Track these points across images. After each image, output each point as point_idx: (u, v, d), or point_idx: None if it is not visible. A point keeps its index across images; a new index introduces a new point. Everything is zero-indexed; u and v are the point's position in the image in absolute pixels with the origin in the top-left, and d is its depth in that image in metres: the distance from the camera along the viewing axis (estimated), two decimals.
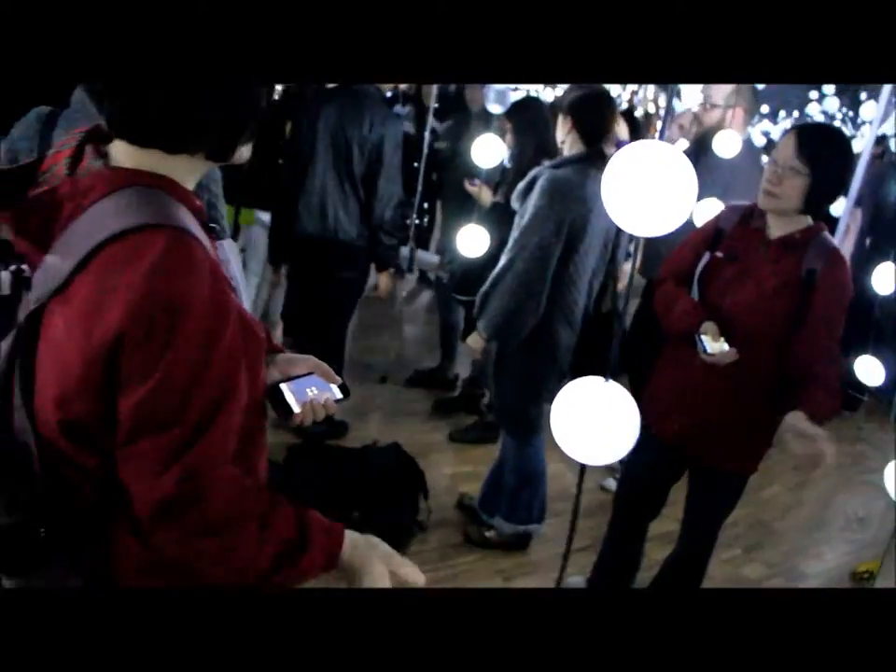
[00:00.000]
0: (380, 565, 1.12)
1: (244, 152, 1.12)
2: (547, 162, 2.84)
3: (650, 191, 1.07)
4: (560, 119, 2.82)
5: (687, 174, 1.07)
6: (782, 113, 12.64)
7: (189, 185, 1.09)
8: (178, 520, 0.99)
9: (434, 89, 4.72)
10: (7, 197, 1.03)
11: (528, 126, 3.36)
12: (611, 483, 3.66)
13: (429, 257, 4.18)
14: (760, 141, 9.26)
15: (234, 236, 3.51)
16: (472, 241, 3.03)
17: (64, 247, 0.99)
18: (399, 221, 3.57)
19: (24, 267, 1.05)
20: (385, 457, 3.41)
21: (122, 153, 1.04)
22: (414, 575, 1.15)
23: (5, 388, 1.03)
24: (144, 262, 0.94)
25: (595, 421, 1.24)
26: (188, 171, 1.08)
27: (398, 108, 5.45)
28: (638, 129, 5.46)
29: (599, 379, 1.26)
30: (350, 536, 1.13)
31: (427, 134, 4.37)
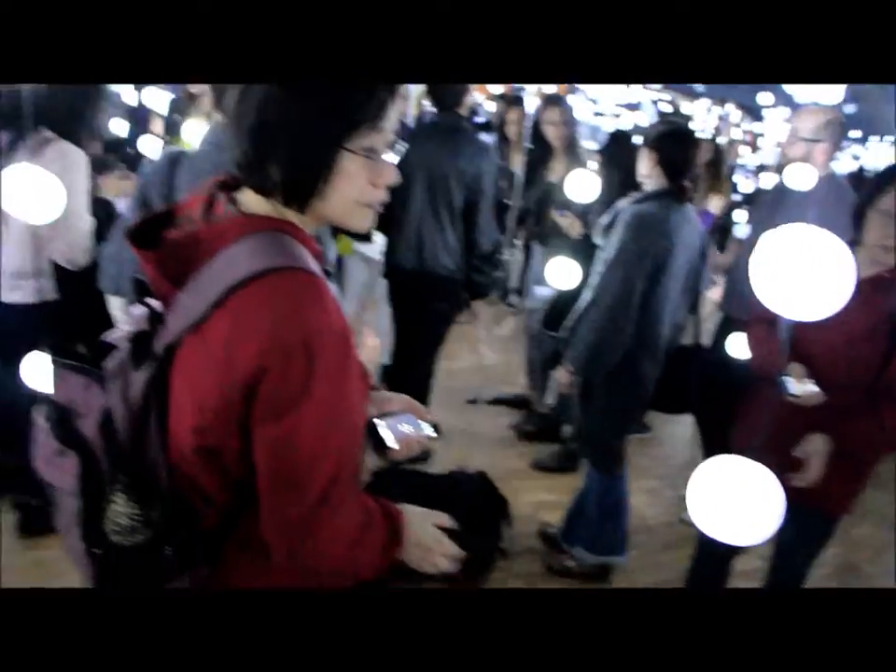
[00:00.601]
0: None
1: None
2: (629, 197, 2.89)
3: (804, 278, 1.08)
4: (644, 153, 2.86)
5: (843, 259, 1.07)
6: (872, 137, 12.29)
7: (310, 229, 1.17)
8: (313, 538, 1.09)
9: (522, 122, 4.78)
10: (150, 240, 1.13)
11: (617, 160, 3.40)
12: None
13: (541, 290, 4.23)
14: (849, 166, 9.03)
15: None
16: (562, 273, 3.09)
17: (200, 287, 1.07)
18: (496, 252, 3.63)
19: (159, 304, 1.16)
20: (469, 484, 3.46)
21: (251, 200, 1.14)
22: (445, 563, 1.26)
23: (141, 415, 1.12)
24: (279, 301, 1.02)
25: (735, 501, 1.23)
26: (305, 222, 1.16)
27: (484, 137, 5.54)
28: (722, 156, 5.44)
29: (738, 458, 1.26)
30: (409, 511, 1.25)
31: (517, 170, 4.43)
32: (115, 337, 1.21)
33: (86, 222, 2.58)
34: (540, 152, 4.47)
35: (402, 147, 1.16)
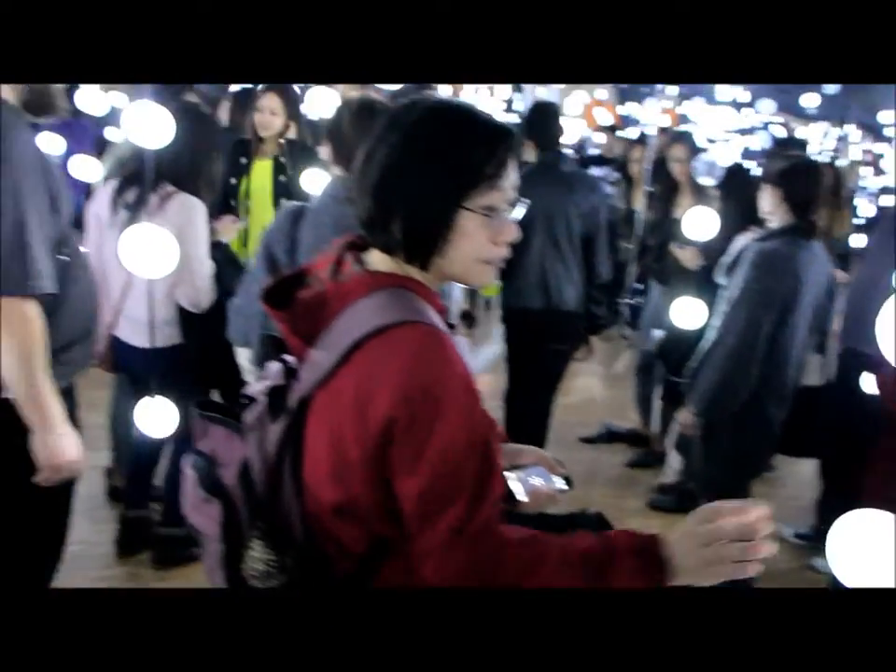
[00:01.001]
0: (716, 551, 1.06)
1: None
2: (753, 235, 2.83)
3: None
4: (767, 190, 2.80)
5: None
6: None
7: (435, 287, 1.20)
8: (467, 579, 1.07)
9: (645, 160, 4.76)
10: (283, 299, 1.19)
11: (735, 195, 3.35)
12: (823, 564, 3.47)
13: (657, 332, 4.19)
14: None
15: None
16: (686, 313, 3.06)
17: (329, 343, 1.12)
18: (613, 283, 3.64)
19: (293, 360, 1.22)
20: (588, 524, 3.43)
21: (376, 259, 1.18)
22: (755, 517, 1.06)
23: (276, 466, 1.16)
24: (404, 354, 1.06)
25: (881, 556, 1.19)
26: (429, 279, 1.19)
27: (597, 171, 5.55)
28: (841, 180, 5.24)
29: (886, 514, 1.20)
30: (670, 545, 1.08)
31: (639, 208, 4.40)
32: (253, 391, 1.27)
33: (207, 267, 2.74)
34: (664, 189, 4.44)
35: (524, 203, 1.18)
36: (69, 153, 3.89)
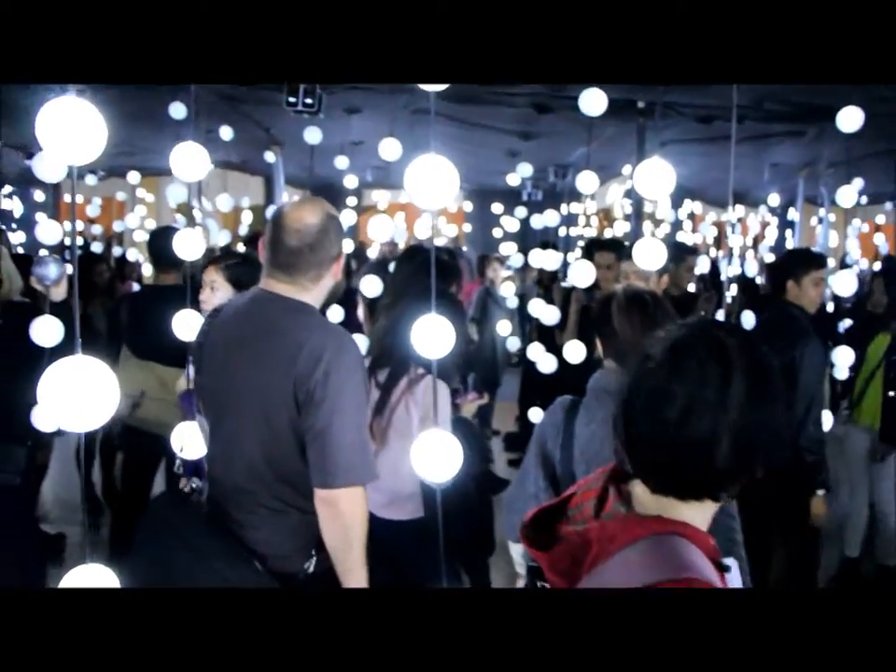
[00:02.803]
0: None
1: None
2: None
3: None
4: None
5: None
6: None
7: (703, 525, 1.12)
8: None
9: None
10: (545, 531, 1.16)
11: None
12: None
13: None
14: None
15: None
16: None
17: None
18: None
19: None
20: None
21: (642, 495, 1.11)
22: None
23: None
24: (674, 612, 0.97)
25: None
26: (700, 511, 1.11)
27: None
28: None
29: None
30: None
31: None
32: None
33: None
34: None
35: None
36: None
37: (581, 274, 3.28)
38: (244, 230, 8.38)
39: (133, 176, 8.60)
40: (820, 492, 3.32)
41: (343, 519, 1.92)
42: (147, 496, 3.60)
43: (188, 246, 2.17)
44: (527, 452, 2.20)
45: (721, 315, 3.12)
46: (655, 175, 2.14)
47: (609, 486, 1.14)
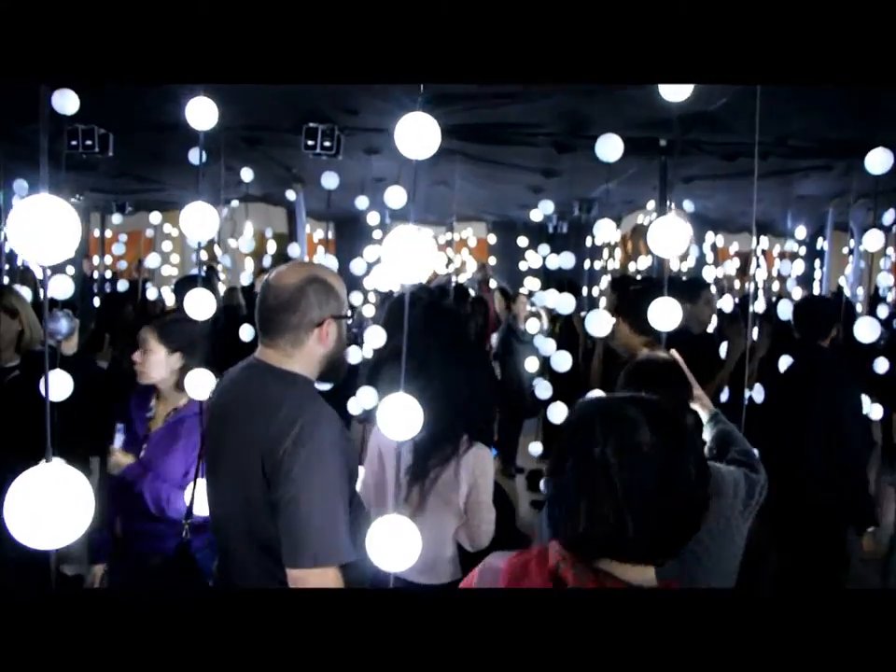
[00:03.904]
0: None
1: None
2: None
3: None
4: None
5: None
6: None
7: None
8: None
9: None
10: None
11: None
12: None
13: None
14: None
15: None
16: None
17: None
18: None
19: None
20: None
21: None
22: None
23: None
24: None
25: None
26: None
27: None
28: None
29: None
30: None
31: None
32: None
33: (493, 513, 2.74)
34: None
35: None
36: None
37: (599, 325, 3.22)
38: (268, 260, 8.44)
39: (155, 217, 8.70)
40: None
41: None
42: None
43: (198, 306, 2.16)
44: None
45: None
46: (670, 234, 2.11)
47: None
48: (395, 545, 1.48)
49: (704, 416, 2.38)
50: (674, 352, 2.37)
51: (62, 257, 0.95)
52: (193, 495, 2.34)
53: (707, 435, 2.33)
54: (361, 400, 3.53)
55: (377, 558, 1.47)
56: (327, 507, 1.80)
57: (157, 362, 2.75)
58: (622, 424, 1.11)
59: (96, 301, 8.63)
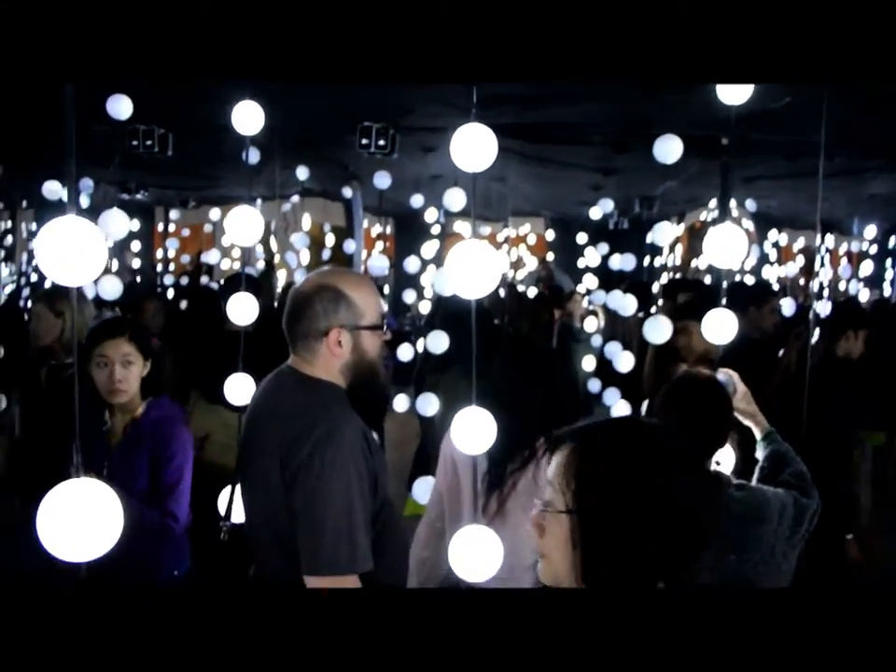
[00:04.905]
0: None
1: None
2: None
3: None
4: None
5: None
6: None
7: None
8: None
9: None
10: None
11: None
12: None
13: None
14: None
15: None
16: None
17: None
18: None
19: None
20: None
21: None
22: None
23: None
24: None
25: None
26: None
27: None
28: None
29: None
30: None
31: None
32: None
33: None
34: None
35: None
36: None
37: (657, 332, 3.15)
38: (326, 253, 8.49)
39: (215, 213, 8.83)
40: None
41: None
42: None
43: (241, 313, 2.18)
44: None
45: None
46: (727, 243, 2.06)
47: None
48: (476, 555, 1.45)
49: (758, 434, 2.31)
50: (728, 371, 2.29)
51: (88, 279, 0.96)
52: (231, 496, 2.32)
53: (759, 454, 2.26)
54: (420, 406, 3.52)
55: (458, 569, 1.43)
56: (343, 515, 1.76)
57: (137, 376, 2.63)
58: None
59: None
